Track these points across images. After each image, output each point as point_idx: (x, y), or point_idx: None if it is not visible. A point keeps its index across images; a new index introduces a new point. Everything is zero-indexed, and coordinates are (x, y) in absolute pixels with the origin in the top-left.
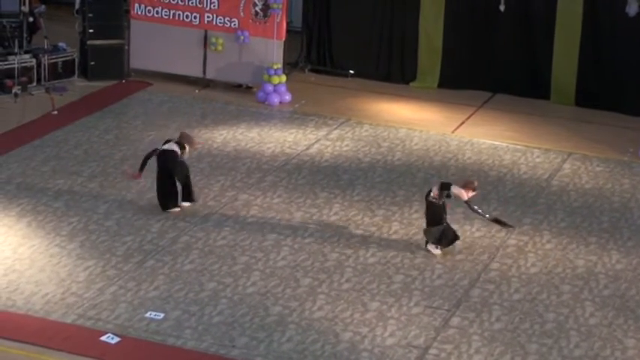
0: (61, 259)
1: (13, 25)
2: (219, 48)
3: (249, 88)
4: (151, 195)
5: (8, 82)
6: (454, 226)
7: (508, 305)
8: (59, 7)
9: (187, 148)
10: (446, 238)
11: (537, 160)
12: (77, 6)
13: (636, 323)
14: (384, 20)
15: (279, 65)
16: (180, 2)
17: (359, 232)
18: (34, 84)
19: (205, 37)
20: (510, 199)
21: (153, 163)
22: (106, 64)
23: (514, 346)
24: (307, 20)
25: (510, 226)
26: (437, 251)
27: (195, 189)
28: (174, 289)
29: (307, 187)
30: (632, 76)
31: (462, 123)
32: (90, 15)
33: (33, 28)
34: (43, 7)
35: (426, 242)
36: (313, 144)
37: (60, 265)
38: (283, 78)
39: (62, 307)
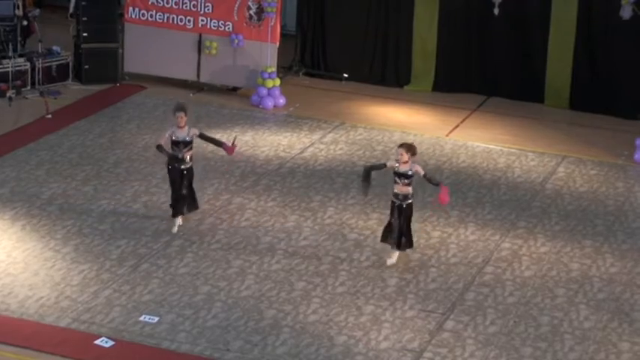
0: (55, 263)
1: (7, 28)
2: (214, 51)
3: (235, 89)
4: (146, 198)
5: (2, 85)
6: (448, 230)
7: (502, 309)
8: (53, 10)
9: None
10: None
11: (532, 163)
12: (71, 10)
13: (631, 327)
14: (379, 24)
15: (273, 69)
16: (174, 6)
17: (353, 235)
18: (29, 88)
19: (200, 41)
20: (504, 202)
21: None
22: (100, 67)
23: (508, 349)
24: (301, 24)
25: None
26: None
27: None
28: (168, 292)
29: (301, 191)
30: (627, 79)
31: (457, 126)
32: (84, 19)
33: (27, 32)
34: (37, 10)
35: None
36: (307, 147)
37: (54, 269)
38: (277, 81)
39: (56, 310)
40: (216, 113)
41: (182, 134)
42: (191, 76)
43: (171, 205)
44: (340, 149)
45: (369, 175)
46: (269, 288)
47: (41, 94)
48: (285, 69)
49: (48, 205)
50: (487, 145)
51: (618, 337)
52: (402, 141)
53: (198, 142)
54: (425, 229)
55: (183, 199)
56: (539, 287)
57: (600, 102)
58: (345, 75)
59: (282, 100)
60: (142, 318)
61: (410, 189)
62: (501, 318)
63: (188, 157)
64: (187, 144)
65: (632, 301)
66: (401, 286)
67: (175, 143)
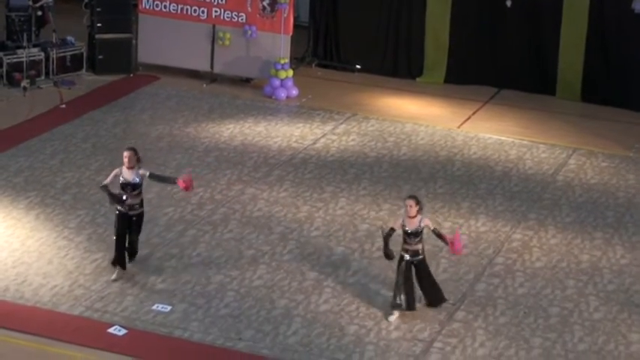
0: (68, 252)
1: (22, 19)
2: (227, 42)
3: (248, 80)
4: (159, 188)
5: (17, 75)
6: (459, 221)
7: (513, 300)
8: (67, 1)
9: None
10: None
11: (543, 155)
12: (86, 0)
13: None
14: (391, 15)
15: (286, 60)
16: None
17: (365, 226)
18: (43, 77)
19: (213, 32)
20: (516, 194)
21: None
22: (114, 58)
23: (518, 340)
24: (314, 15)
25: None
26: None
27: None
28: (181, 281)
29: (314, 182)
30: (638, 72)
31: (468, 118)
32: (98, 9)
33: (41, 22)
34: (51, 0)
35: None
36: (320, 138)
37: (68, 258)
38: (290, 72)
39: (70, 299)
40: (229, 104)
41: (130, 175)
42: (204, 66)
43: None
44: (352, 140)
45: (387, 245)
46: (281, 278)
47: (55, 84)
48: (297, 60)
49: (62, 194)
50: (499, 137)
51: (628, 328)
52: (413, 132)
53: (211, 133)
54: (436, 220)
55: (125, 251)
56: (550, 278)
57: (611, 94)
58: (358, 66)
59: (294, 91)
60: (154, 307)
61: (420, 246)
62: (511, 309)
63: (138, 201)
64: (135, 187)
65: None
66: None
67: (123, 187)
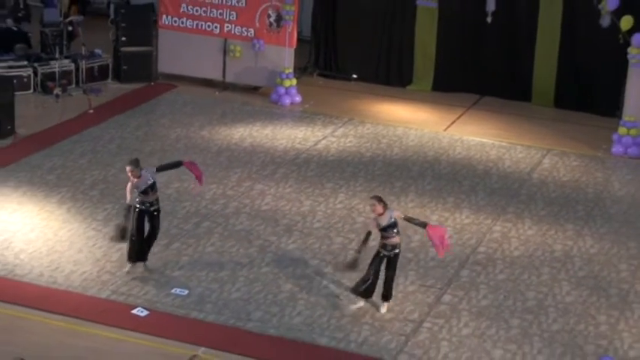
0: (96, 241)
1: (55, 33)
2: (237, 55)
3: (256, 88)
4: (177, 184)
5: (50, 84)
6: (445, 214)
7: (493, 284)
8: (95, 17)
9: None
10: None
11: (520, 155)
12: (112, 16)
13: (608, 301)
14: (384, 30)
15: (291, 70)
16: (203, 14)
17: (361, 218)
18: (73, 86)
19: (225, 45)
20: (496, 190)
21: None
22: (136, 68)
23: (499, 320)
24: (316, 30)
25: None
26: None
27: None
28: (196, 268)
29: (315, 179)
30: (605, 81)
31: (453, 122)
32: (123, 25)
33: (72, 36)
34: (80, 17)
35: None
36: (320, 140)
37: (96, 247)
38: (294, 81)
39: (98, 283)
40: (239, 110)
41: (143, 182)
42: (217, 76)
43: (134, 251)
44: (350, 142)
45: (364, 243)
46: (286, 265)
47: (84, 91)
48: (301, 70)
49: (90, 190)
50: (480, 139)
51: (597, 310)
52: (404, 135)
53: (223, 135)
54: (424, 214)
55: (148, 239)
56: (527, 265)
57: (582, 101)
58: (355, 76)
59: (298, 98)
60: (173, 291)
61: (398, 239)
62: (492, 293)
63: (156, 197)
64: (153, 186)
65: (609, 278)
66: (403, 263)
67: (144, 192)
